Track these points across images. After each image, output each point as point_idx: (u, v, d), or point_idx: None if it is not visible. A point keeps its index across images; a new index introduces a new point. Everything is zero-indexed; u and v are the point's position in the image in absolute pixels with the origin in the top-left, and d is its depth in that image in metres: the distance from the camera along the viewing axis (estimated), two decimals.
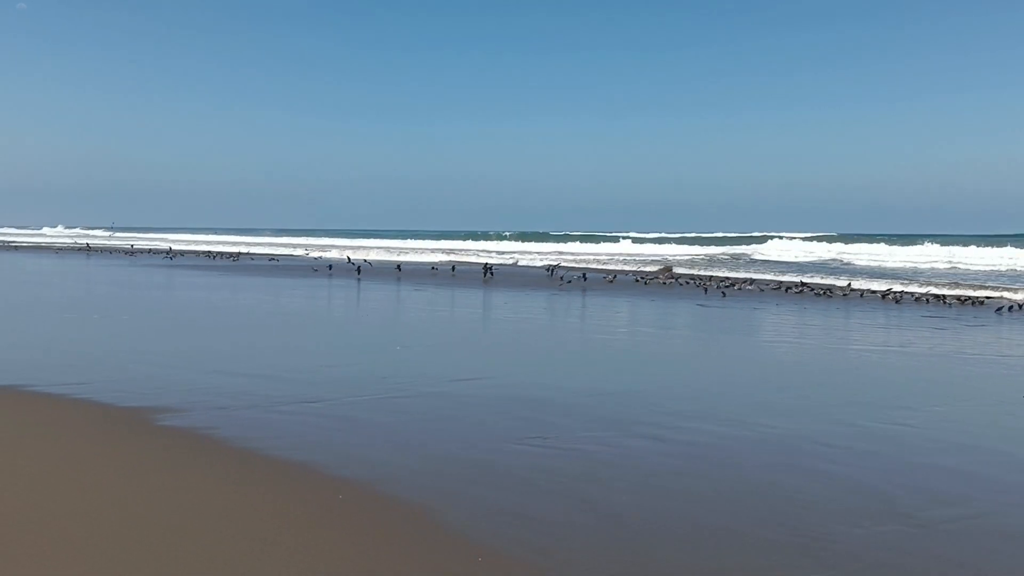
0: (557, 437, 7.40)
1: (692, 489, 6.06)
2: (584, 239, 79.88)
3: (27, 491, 5.70)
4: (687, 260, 46.03)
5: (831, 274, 34.42)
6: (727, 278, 31.79)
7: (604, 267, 42.22)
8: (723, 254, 52.31)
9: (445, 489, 5.93)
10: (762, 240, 61.54)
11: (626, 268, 40.73)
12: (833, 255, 48.04)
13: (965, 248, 44.07)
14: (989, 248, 42.32)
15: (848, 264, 42.29)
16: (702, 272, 37.16)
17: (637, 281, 31.87)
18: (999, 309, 21.58)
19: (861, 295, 25.76)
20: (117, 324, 15.49)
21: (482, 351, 13.32)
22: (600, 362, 12.33)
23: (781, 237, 64.42)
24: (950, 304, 23.19)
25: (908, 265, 39.60)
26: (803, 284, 28.57)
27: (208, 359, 11.44)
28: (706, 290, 27.13)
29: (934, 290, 26.24)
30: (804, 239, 62.41)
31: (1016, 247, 41.19)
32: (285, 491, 5.85)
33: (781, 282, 30.46)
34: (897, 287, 27.18)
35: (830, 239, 60.10)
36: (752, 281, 30.73)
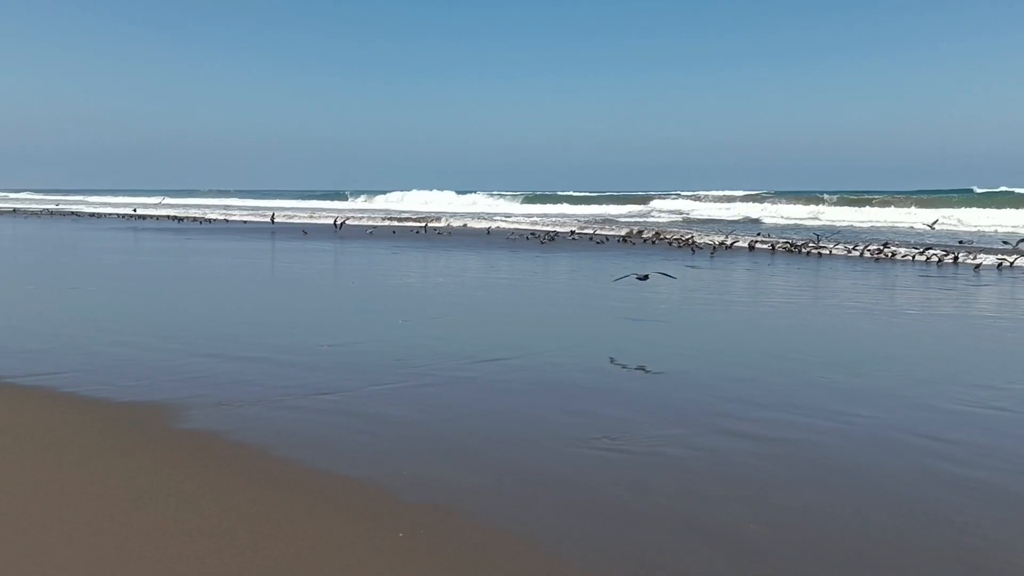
0: (625, 436, 6.35)
1: (819, 507, 5.05)
2: (531, 199, 78.76)
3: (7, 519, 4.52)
4: (634, 220, 46.30)
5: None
6: (723, 242, 30.71)
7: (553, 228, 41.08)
8: (656, 211, 54.05)
9: (532, 518, 4.84)
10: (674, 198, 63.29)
11: (586, 230, 39.33)
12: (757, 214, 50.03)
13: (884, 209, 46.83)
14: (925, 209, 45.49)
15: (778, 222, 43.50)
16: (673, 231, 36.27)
17: (621, 241, 30.96)
18: (999, 266, 21.01)
19: (861, 253, 25.00)
20: (83, 297, 14.08)
21: (492, 323, 12.20)
22: (626, 334, 11.28)
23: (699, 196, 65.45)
24: (937, 263, 22.51)
25: (843, 223, 40.01)
26: (791, 243, 27.80)
27: (193, 339, 10.17)
28: (693, 250, 26.29)
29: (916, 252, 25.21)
30: (718, 198, 62.74)
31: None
32: (329, 523, 4.72)
33: (768, 240, 29.66)
34: (874, 246, 26.24)
35: (759, 198, 60.98)
36: (734, 240, 29.81)
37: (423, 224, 41.19)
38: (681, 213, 53.51)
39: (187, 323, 11.45)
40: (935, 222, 30.70)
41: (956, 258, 22.77)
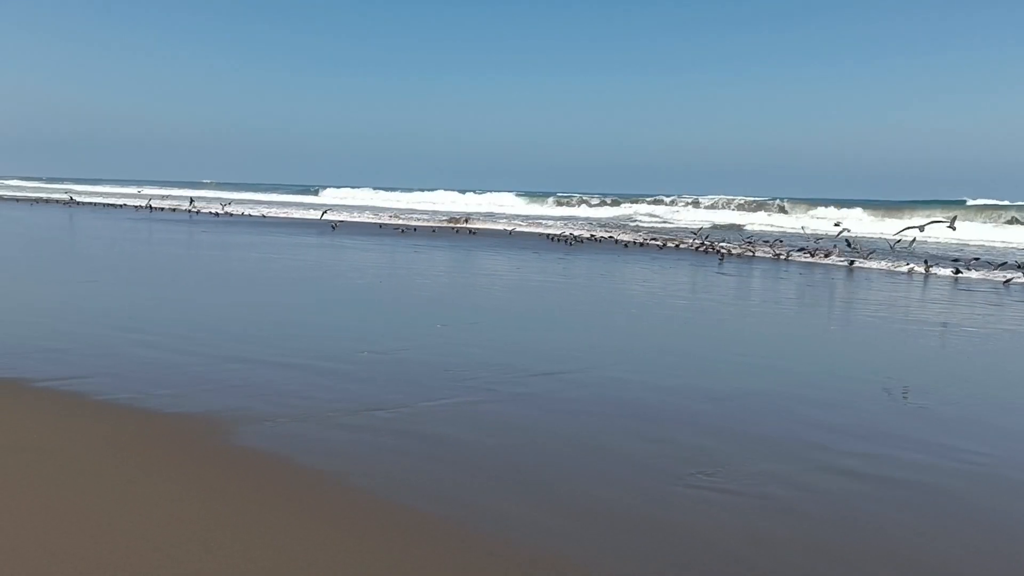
0: (723, 472, 5.67)
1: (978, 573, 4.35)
2: (536, 198, 77.62)
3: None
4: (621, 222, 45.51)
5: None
6: (744, 244, 29.92)
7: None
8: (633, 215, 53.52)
9: (638, 574, 4.16)
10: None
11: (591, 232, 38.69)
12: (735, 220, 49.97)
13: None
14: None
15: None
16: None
17: (642, 245, 30.25)
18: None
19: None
20: (102, 290, 13.44)
21: (536, 330, 11.51)
22: (683, 347, 10.59)
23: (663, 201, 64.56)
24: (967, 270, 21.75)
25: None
26: (815, 248, 26.83)
27: (223, 340, 9.51)
28: (722, 257, 25.55)
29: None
30: (740, 206, 61.63)
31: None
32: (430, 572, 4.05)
33: (774, 246, 28.79)
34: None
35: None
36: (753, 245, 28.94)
37: (453, 225, 39.88)
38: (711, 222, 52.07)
39: (215, 323, 10.80)
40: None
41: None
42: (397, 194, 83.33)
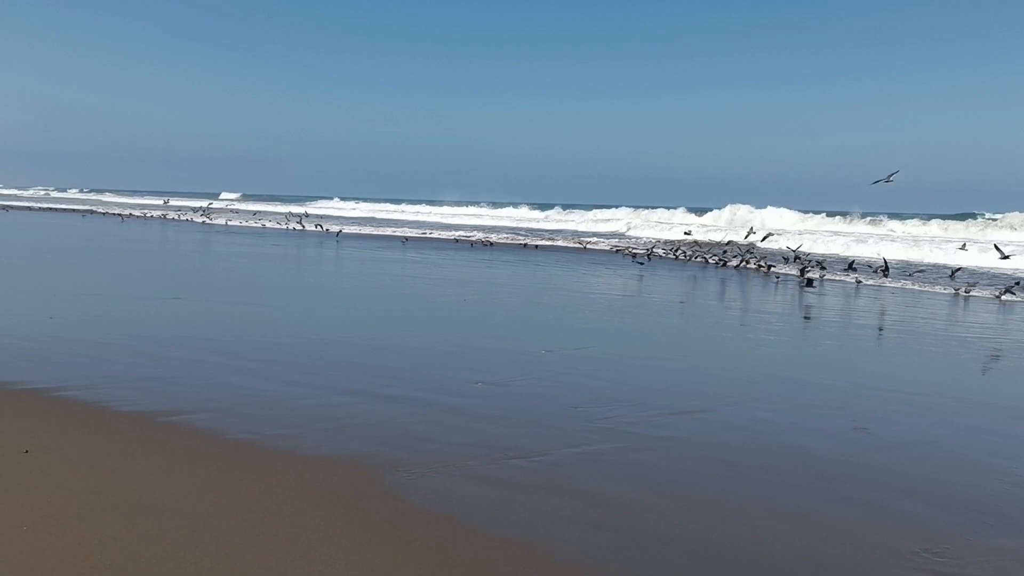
0: (953, 549, 4.76)
1: None
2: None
3: None
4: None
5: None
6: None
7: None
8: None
9: None
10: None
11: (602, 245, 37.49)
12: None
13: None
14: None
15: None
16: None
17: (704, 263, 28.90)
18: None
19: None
20: (189, 309, 12.92)
21: (653, 358, 10.65)
22: (825, 380, 9.66)
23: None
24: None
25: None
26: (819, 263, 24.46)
27: (325, 369, 8.84)
28: (776, 277, 23.83)
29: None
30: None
31: None
32: None
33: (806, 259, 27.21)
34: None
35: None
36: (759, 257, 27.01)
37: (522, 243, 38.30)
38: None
39: (311, 347, 10.15)
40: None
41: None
42: (421, 206, 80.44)
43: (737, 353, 11.26)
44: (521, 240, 38.02)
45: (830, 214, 51.77)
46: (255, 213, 55.68)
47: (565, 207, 70.20)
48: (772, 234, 32.29)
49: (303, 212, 53.15)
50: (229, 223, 46.38)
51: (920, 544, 4.78)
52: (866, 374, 10.07)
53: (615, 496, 5.42)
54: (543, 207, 73.00)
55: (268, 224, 45.61)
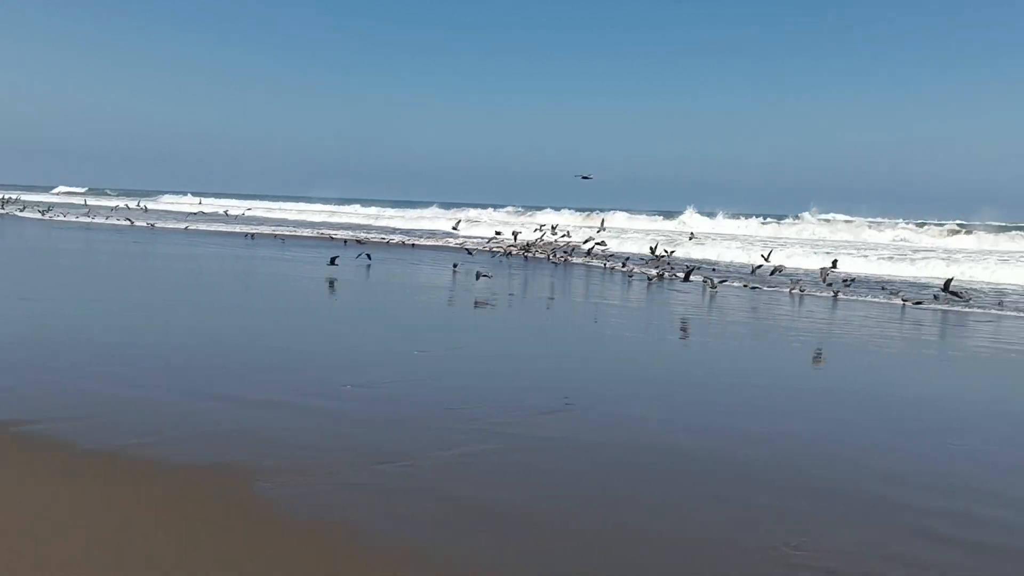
0: (811, 541, 4.93)
1: None
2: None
3: None
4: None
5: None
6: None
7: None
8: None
9: None
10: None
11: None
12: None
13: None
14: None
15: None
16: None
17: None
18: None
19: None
20: (41, 308, 12.10)
21: (522, 356, 10.67)
22: (691, 378, 9.90)
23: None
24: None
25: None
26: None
27: (182, 370, 8.41)
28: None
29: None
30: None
31: None
32: None
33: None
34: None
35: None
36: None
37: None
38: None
39: (170, 350, 9.66)
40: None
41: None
42: (290, 203, 77.55)
43: (611, 350, 11.43)
44: (396, 239, 37.48)
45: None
46: (87, 208, 51.40)
47: (447, 206, 70.72)
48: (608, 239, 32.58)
49: (140, 207, 50.92)
50: (55, 218, 43.06)
51: (780, 538, 4.91)
52: (732, 369, 10.38)
53: (488, 498, 5.36)
54: (410, 205, 73.12)
55: (96, 220, 42.49)
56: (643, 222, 55.53)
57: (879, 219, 50.34)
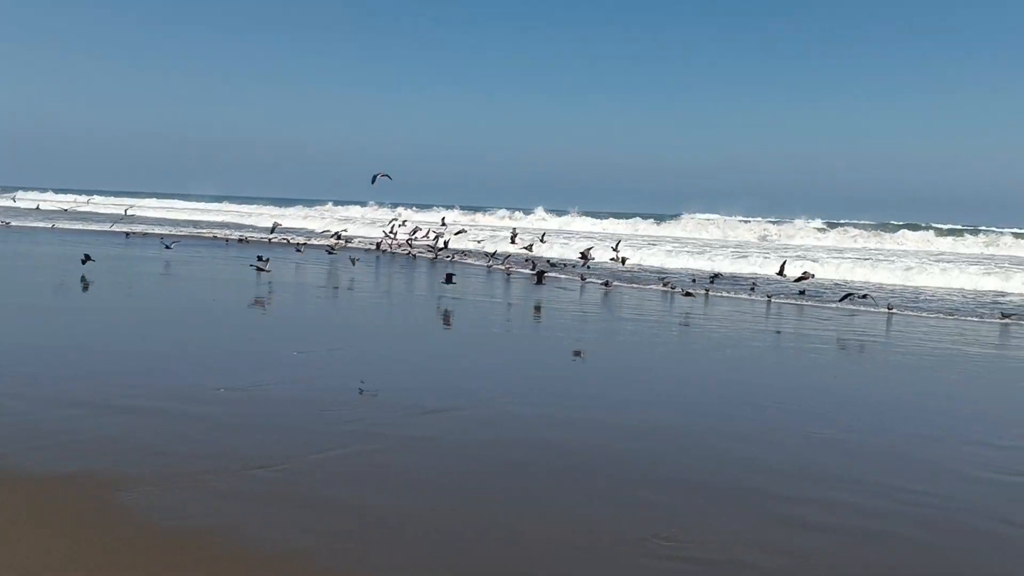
0: (682, 533, 5.05)
1: None
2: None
3: None
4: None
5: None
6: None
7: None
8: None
9: None
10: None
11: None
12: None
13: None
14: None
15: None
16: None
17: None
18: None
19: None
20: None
21: (405, 357, 10.58)
22: (569, 373, 10.00)
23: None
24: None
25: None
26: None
27: (45, 379, 7.96)
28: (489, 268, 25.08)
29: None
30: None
31: None
32: None
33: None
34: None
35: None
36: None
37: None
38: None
39: (29, 354, 9.15)
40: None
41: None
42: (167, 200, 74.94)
43: (489, 348, 11.45)
44: (280, 238, 36.47)
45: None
46: None
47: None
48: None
49: None
50: None
51: (652, 531, 5.01)
52: (611, 364, 10.56)
53: (361, 501, 5.28)
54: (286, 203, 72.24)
55: None
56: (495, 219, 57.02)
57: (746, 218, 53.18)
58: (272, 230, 33.14)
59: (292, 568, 4.31)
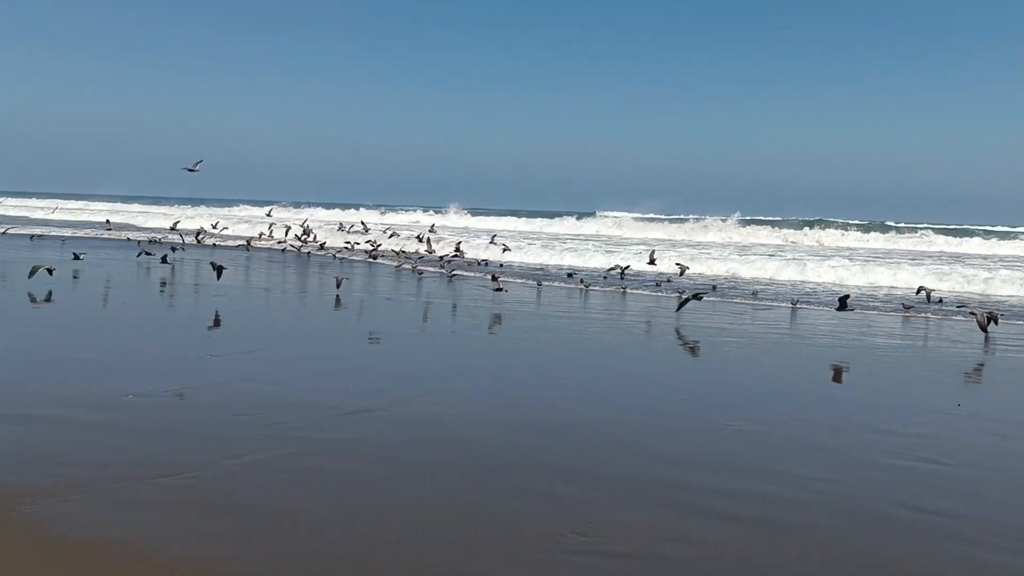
0: (592, 528, 5.13)
1: None
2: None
3: None
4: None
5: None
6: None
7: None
8: None
9: None
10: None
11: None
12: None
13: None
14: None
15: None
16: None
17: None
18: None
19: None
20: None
21: (319, 358, 10.46)
22: (486, 369, 10.04)
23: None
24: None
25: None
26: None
27: None
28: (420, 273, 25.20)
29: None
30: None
31: None
32: None
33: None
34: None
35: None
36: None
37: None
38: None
39: None
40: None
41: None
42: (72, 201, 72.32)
43: (407, 348, 11.42)
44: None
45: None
46: None
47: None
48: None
49: None
50: None
51: (567, 527, 5.08)
52: (529, 362, 10.65)
53: (276, 505, 5.22)
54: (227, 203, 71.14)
55: None
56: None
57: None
58: (172, 228, 32.06)
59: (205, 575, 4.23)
